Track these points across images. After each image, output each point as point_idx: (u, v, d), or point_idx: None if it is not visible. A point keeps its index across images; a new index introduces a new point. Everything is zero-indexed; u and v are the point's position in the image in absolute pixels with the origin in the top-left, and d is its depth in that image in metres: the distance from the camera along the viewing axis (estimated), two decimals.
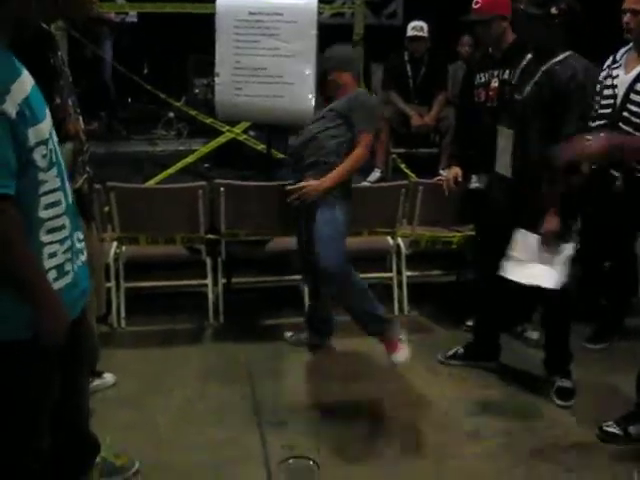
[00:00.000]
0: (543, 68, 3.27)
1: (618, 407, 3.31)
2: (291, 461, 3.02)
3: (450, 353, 3.94)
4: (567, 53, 3.27)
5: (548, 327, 3.72)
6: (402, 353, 3.40)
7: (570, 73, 3.21)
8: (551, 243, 3.26)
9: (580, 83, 3.23)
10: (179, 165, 5.68)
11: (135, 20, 7.55)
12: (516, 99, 3.37)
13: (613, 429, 3.23)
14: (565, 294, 3.48)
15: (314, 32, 4.88)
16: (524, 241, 3.32)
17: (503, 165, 3.47)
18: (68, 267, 1.98)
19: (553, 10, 3.18)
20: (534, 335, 4.17)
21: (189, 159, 5.79)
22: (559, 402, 3.56)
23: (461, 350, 3.94)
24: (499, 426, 3.34)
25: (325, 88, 3.87)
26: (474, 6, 3.87)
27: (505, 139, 3.44)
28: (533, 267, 3.28)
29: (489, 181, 3.73)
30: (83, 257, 2.11)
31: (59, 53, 2.63)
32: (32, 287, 1.84)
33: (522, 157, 3.35)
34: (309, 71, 4.88)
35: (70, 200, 2.02)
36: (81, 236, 2.11)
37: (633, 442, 3.18)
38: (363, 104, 3.62)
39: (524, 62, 3.42)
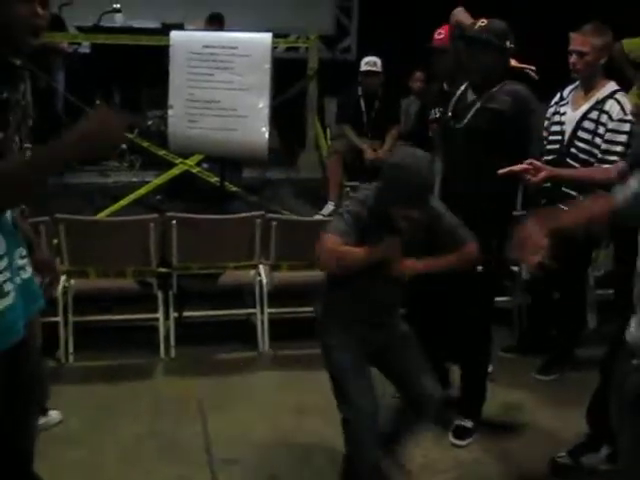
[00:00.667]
0: (485, 96, 3.26)
1: (570, 438, 3.33)
2: None
3: None
4: (503, 82, 3.29)
5: (465, 368, 3.63)
6: None
7: (513, 97, 3.22)
8: None
9: (527, 103, 3.24)
10: (131, 197, 5.63)
11: (88, 51, 7.51)
12: (456, 128, 3.35)
13: (565, 460, 3.25)
14: (485, 335, 3.51)
15: (268, 66, 4.92)
16: None
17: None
18: (8, 287, 1.92)
19: (508, 44, 3.24)
20: None
21: (141, 191, 5.74)
22: (455, 441, 3.47)
23: None
24: (450, 460, 3.33)
25: None
26: (437, 37, 3.93)
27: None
28: None
29: None
30: (26, 274, 2.06)
31: (21, 85, 2.57)
32: (53, 161, 1.82)
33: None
34: (262, 104, 4.92)
35: (4, 219, 1.96)
36: (23, 252, 2.05)
37: (585, 473, 3.20)
38: None
39: (459, 92, 3.42)
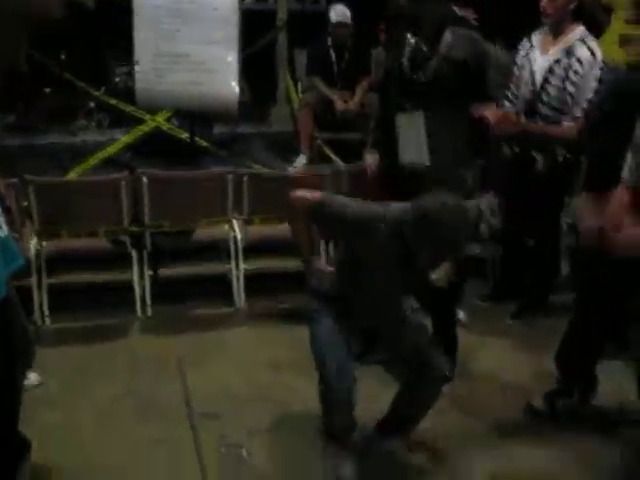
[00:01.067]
0: (442, 46, 3.25)
1: (543, 383, 3.40)
2: (223, 450, 3.03)
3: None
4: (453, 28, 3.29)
5: (436, 315, 3.62)
6: None
7: (471, 44, 3.25)
8: None
9: (483, 48, 3.29)
10: (100, 156, 5.55)
11: None
12: (418, 81, 3.32)
13: (540, 406, 3.31)
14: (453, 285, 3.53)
15: (236, 18, 4.82)
16: None
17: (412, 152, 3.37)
18: None
19: None
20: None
21: (110, 149, 5.65)
22: None
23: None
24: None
25: None
26: None
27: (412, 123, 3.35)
28: None
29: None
30: (2, 232, 2.03)
31: None
32: None
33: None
34: (231, 57, 4.84)
35: None
36: None
37: (559, 416, 3.27)
38: None
39: (412, 42, 3.36)
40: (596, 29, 3.79)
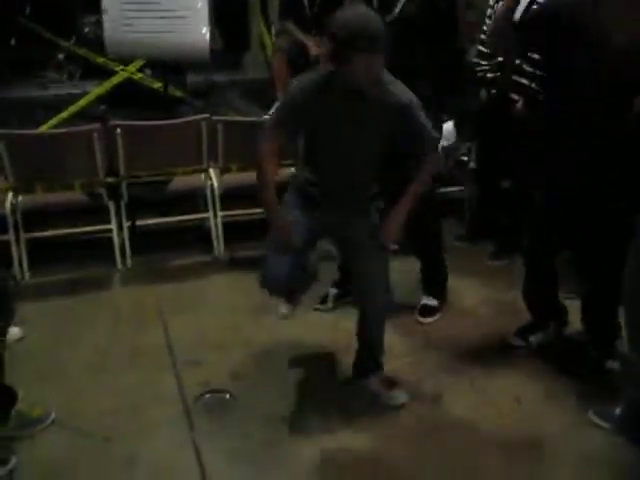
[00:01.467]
0: None
1: (520, 320, 3.47)
2: (207, 396, 3.08)
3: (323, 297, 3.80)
4: None
5: (423, 255, 3.76)
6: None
7: None
8: None
9: None
10: (72, 109, 5.48)
11: None
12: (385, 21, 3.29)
13: (516, 341, 3.40)
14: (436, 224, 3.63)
15: None
16: None
17: None
18: None
19: None
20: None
21: (82, 102, 5.58)
22: (421, 319, 3.68)
23: (334, 291, 3.81)
24: (406, 345, 3.46)
25: None
26: None
27: None
28: None
29: None
30: None
31: None
32: None
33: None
34: (201, 3, 4.76)
35: None
36: None
37: (534, 350, 3.36)
38: None
39: None
40: None
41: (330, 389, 3.14)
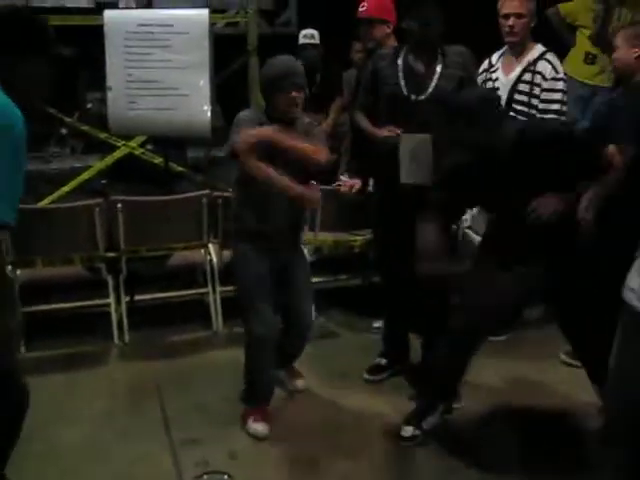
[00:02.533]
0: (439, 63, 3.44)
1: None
2: (206, 477, 3.01)
3: (373, 367, 3.90)
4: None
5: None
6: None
7: (463, 58, 3.49)
8: None
9: (473, 62, 3.60)
10: (74, 183, 5.52)
11: None
12: (415, 100, 3.45)
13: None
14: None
15: (207, 43, 4.84)
16: None
17: (416, 173, 3.44)
18: None
19: None
20: None
21: (84, 176, 5.63)
22: (366, 376, 3.83)
23: (383, 360, 3.92)
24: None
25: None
26: (361, 9, 3.95)
27: (419, 144, 3.42)
28: None
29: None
30: None
31: None
32: None
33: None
34: (203, 82, 4.85)
35: None
36: None
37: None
38: None
39: (399, 61, 3.52)
40: (556, 47, 3.86)
41: (331, 466, 3.08)
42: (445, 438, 3.24)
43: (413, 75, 3.48)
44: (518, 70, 3.65)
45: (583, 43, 5.15)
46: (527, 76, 3.63)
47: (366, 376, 3.86)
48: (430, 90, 3.43)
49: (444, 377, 3.23)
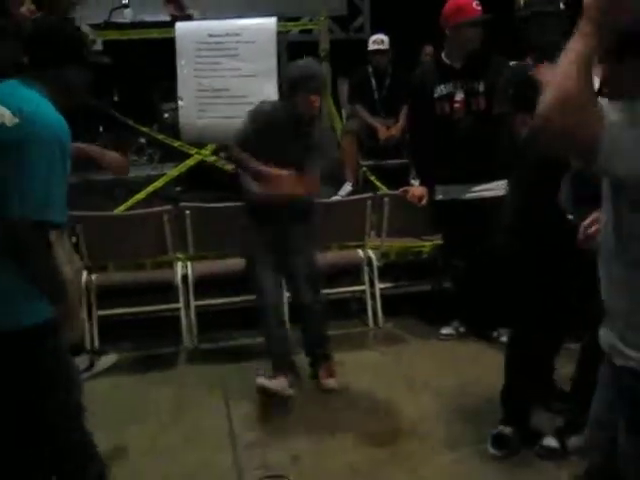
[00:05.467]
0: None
1: None
2: None
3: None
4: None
5: None
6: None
7: None
8: None
9: None
10: (148, 190, 5.67)
11: (100, 48, 7.54)
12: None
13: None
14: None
15: (274, 51, 4.91)
16: None
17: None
18: None
19: (562, 5, 3.07)
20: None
21: (158, 183, 5.78)
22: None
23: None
24: (473, 435, 3.31)
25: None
26: (478, 7, 3.88)
27: None
28: None
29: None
30: None
31: None
32: None
33: None
34: (272, 90, 4.91)
35: None
36: None
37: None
38: None
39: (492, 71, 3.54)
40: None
41: (392, 475, 3.05)
42: None
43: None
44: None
45: None
46: None
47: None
48: None
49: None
